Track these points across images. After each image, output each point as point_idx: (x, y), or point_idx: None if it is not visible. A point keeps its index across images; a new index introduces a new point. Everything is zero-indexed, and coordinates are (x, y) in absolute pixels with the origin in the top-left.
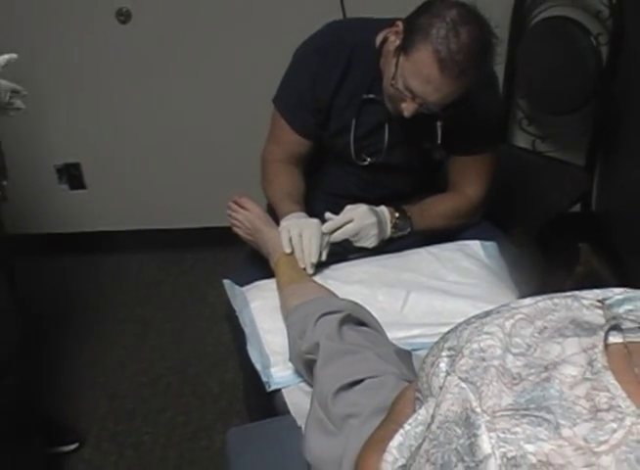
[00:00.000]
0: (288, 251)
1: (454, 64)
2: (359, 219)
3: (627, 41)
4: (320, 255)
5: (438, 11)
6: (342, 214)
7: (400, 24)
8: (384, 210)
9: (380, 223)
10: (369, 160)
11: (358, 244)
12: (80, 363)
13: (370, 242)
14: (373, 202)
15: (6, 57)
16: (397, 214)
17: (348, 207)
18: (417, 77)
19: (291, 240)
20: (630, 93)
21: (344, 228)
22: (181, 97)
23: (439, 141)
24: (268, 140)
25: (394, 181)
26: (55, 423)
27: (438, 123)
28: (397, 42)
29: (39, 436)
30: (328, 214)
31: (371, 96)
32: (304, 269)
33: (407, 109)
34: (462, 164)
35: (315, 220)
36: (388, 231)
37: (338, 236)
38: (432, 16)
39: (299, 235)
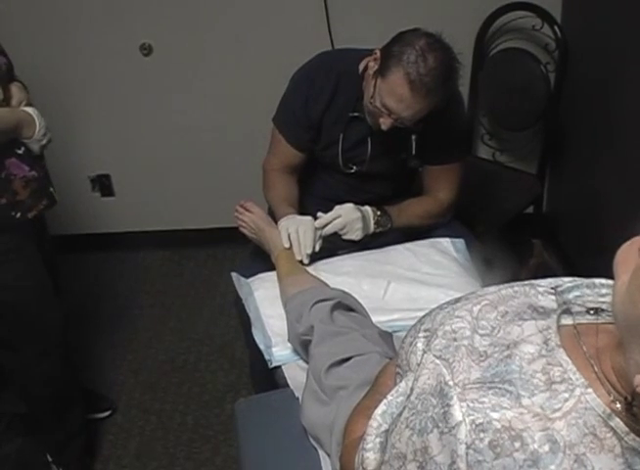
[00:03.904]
0: (287, 246)
1: (422, 84)
2: (346, 215)
3: (570, 68)
4: (314, 247)
5: (409, 40)
6: (331, 212)
7: (378, 52)
8: (367, 208)
9: (364, 219)
10: (355, 168)
11: (346, 237)
12: (112, 343)
13: (356, 235)
14: (359, 205)
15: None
16: (379, 212)
17: (337, 206)
18: (391, 96)
19: (289, 236)
20: (574, 113)
21: (334, 223)
22: (195, 118)
23: (414, 152)
24: (268, 152)
25: (376, 187)
26: (91, 393)
27: (413, 137)
28: (376, 67)
29: (80, 404)
30: (320, 214)
31: (356, 114)
32: (301, 261)
33: (384, 123)
34: (434, 172)
35: (309, 218)
36: (372, 227)
37: (328, 230)
38: (404, 44)
39: (296, 231)
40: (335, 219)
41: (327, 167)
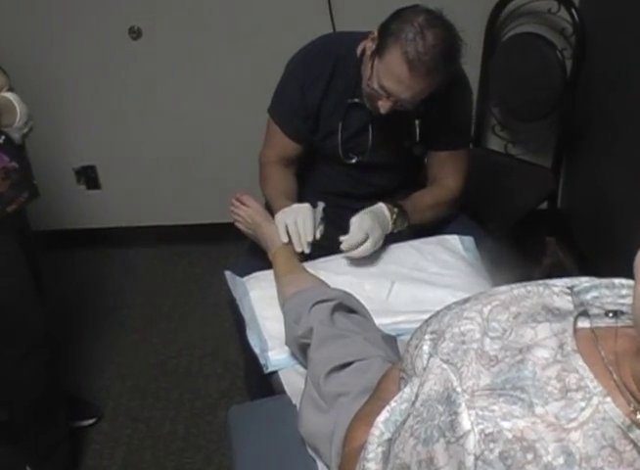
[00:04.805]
0: (285, 240)
1: (422, 64)
2: (372, 234)
3: (589, 55)
4: (314, 234)
5: (408, 17)
6: (358, 232)
7: (375, 32)
8: (383, 208)
9: (383, 229)
10: (356, 158)
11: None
12: (98, 346)
13: (378, 247)
14: (362, 198)
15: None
16: (396, 210)
17: (354, 220)
18: (389, 77)
19: (287, 230)
20: (592, 102)
21: (364, 247)
22: (185, 106)
23: (418, 138)
24: (264, 145)
25: (380, 178)
26: (76, 399)
27: (416, 122)
28: (373, 47)
29: (63, 411)
30: (320, 204)
31: (356, 100)
32: (301, 252)
33: (383, 106)
34: (440, 159)
35: (306, 204)
36: (390, 227)
37: (355, 254)
38: (402, 21)
39: (294, 223)
40: (363, 242)
41: (327, 158)
